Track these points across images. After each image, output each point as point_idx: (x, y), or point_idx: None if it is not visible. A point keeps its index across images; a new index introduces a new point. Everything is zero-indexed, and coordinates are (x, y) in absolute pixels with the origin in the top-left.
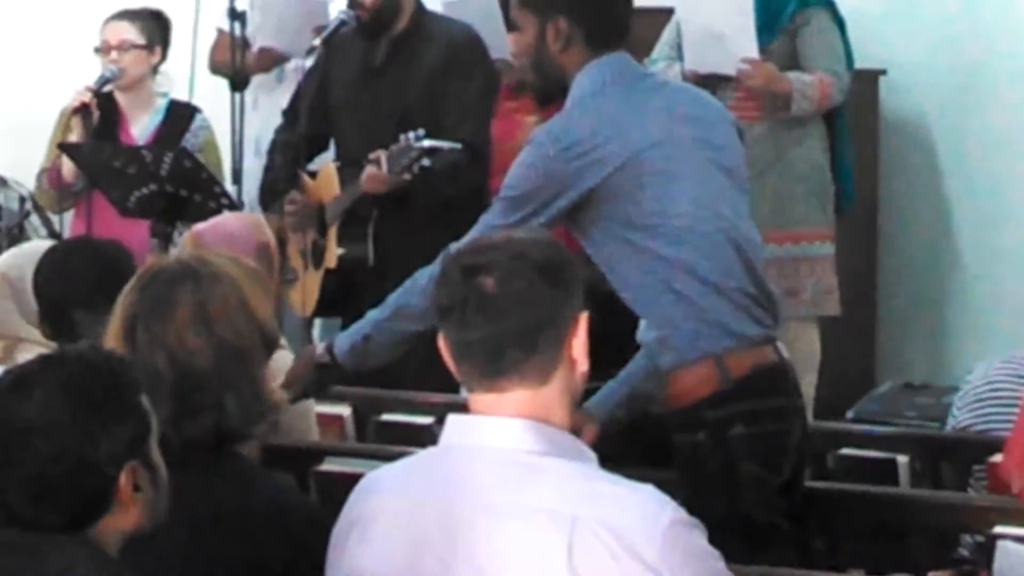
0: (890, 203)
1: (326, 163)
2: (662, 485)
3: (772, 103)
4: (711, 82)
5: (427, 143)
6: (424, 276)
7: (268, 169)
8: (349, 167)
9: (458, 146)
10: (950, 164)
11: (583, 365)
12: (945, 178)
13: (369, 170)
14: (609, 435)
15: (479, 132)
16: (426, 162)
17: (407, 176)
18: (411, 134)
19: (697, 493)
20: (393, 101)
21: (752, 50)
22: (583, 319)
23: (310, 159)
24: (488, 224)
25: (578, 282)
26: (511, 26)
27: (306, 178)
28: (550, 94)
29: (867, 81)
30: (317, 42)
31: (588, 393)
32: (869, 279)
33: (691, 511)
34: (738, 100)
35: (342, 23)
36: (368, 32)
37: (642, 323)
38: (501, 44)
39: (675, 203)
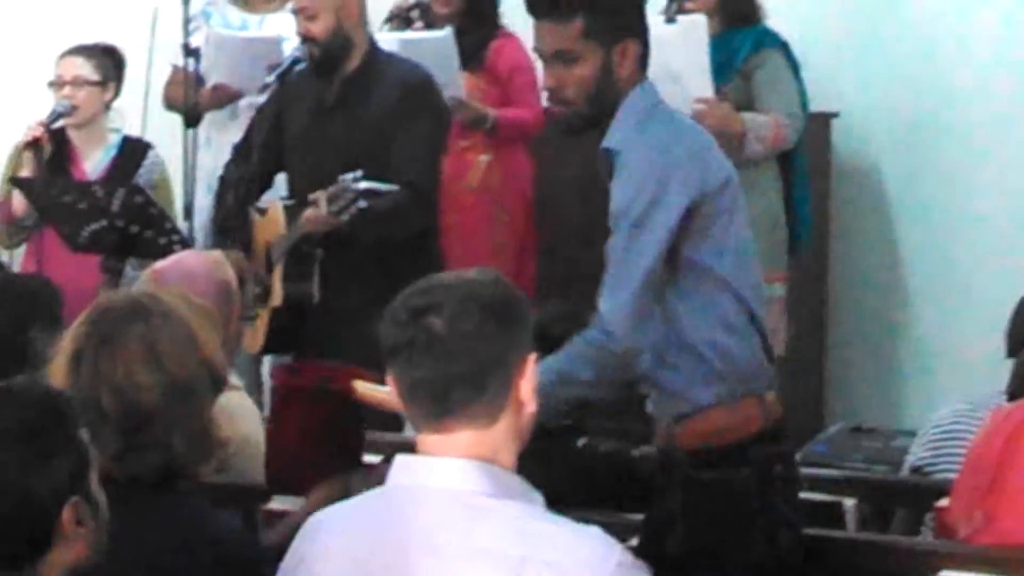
0: (841, 245)
1: (273, 201)
2: (608, 527)
3: (727, 144)
4: None
5: (363, 185)
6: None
7: (219, 205)
8: (298, 206)
9: (395, 188)
10: (901, 207)
11: (531, 406)
12: (896, 221)
13: (308, 211)
14: (556, 478)
15: (426, 173)
16: (363, 204)
17: (345, 217)
18: (349, 175)
19: (721, 530)
20: (344, 141)
21: (707, 89)
22: (531, 360)
23: (259, 196)
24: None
25: (527, 323)
26: (566, 59)
27: (256, 215)
28: (598, 122)
29: (819, 124)
30: (271, 79)
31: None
32: (818, 321)
33: (695, 548)
34: None
35: (296, 60)
36: (320, 69)
37: (650, 352)
38: (455, 82)
39: (731, 237)
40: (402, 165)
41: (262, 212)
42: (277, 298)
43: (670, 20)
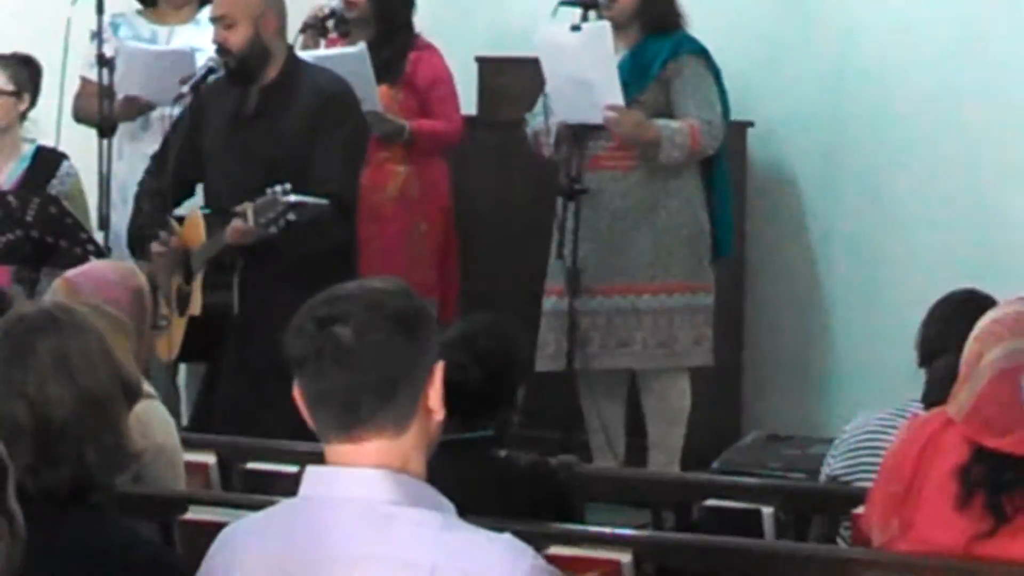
0: (757, 254)
1: (193, 210)
2: (524, 536)
3: (643, 152)
4: (582, 131)
5: (293, 198)
6: None
7: (136, 215)
8: (217, 215)
9: (324, 202)
10: (817, 215)
11: (439, 414)
12: (812, 229)
13: (235, 223)
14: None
15: (347, 185)
16: (292, 216)
17: (273, 229)
18: (278, 188)
19: None
20: (262, 150)
21: (617, 97)
22: (439, 369)
23: (177, 205)
24: None
25: (433, 332)
26: None
27: (175, 224)
28: None
29: (735, 133)
30: (185, 90)
31: (451, 443)
32: (735, 329)
33: None
34: (610, 150)
35: (210, 71)
36: (237, 79)
37: None
38: (371, 96)
39: None
40: (322, 176)
41: (180, 221)
42: (196, 307)
43: (575, 28)
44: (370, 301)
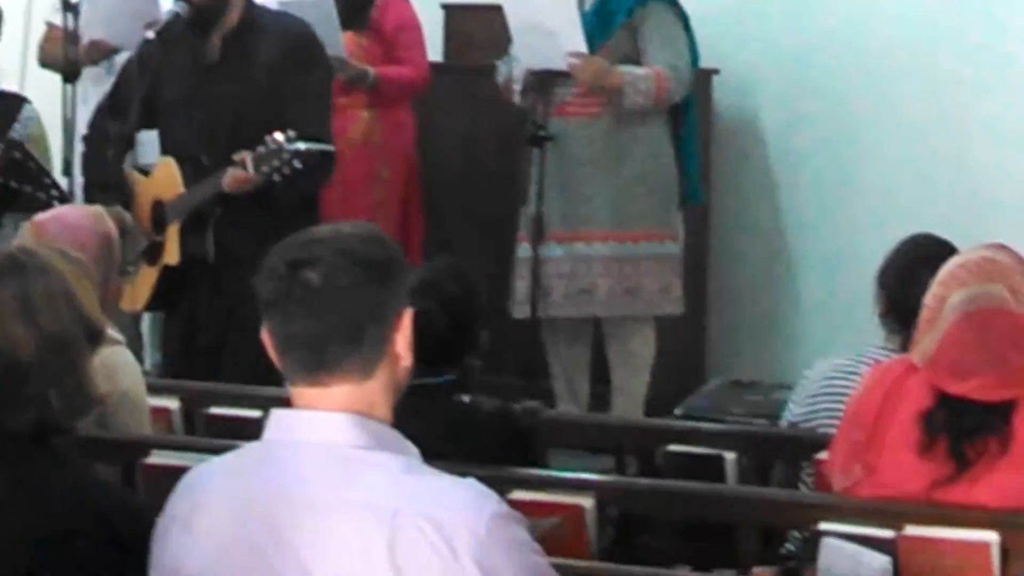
0: (722, 201)
1: (164, 160)
2: (488, 481)
3: (609, 98)
4: (548, 78)
5: (302, 145)
6: None
7: (94, 161)
8: (185, 164)
9: (330, 147)
10: (782, 163)
11: (406, 360)
12: (778, 177)
13: (235, 172)
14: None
15: (324, 127)
16: (297, 164)
17: (277, 177)
18: (280, 136)
19: None
20: (229, 98)
21: (580, 44)
22: (407, 315)
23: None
24: None
25: (403, 278)
26: None
27: (136, 174)
28: None
29: (700, 80)
30: (150, 35)
31: (415, 388)
32: (700, 276)
33: None
34: (577, 96)
35: (176, 15)
36: (198, 27)
37: None
38: (335, 43)
39: None
40: (300, 122)
41: (143, 171)
42: (173, 256)
43: None
44: (340, 245)
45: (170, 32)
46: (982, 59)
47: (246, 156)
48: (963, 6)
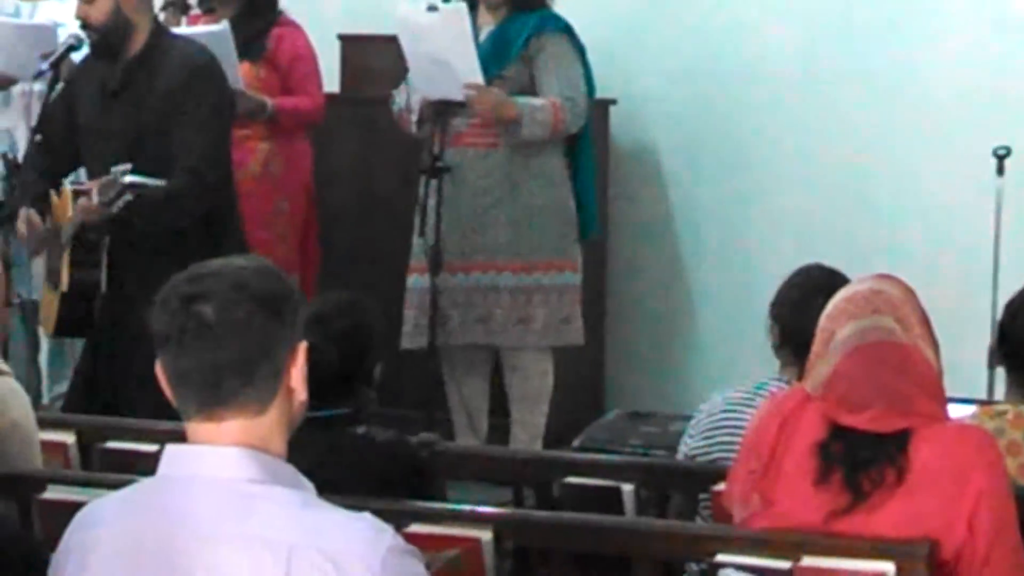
0: (619, 232)
1: (65, 186)
2: (383, 514)
3: (505, 129)
4: (445, 109)
5: (128, 179)
6: None
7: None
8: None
9: (160, 183)
10: (680, 193)
11: (301, 395)
12: (674, 207)
13: (81, 201)
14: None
15: (208, 156)
16: (129, 197)
17: (114, 209)
18: (119, 168)
19: None
20: (127, 126)
21: (476, 75)
22: (302, 349)
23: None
24: None
25: (296, 312)
26: None
27: (54, 198)
28: None
29: (597, 111)
30: (45, 66)
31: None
32: (598, 308)
33: None
34: (473, 127)
35: (70, 47)
36: (101, 54)
37: None
38: (233, 75)
39: None
40: (182, 151)
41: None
42: (65, 283)
43: (432, 8)
44: (234, 280)
45: (81, 61)
46: (884, 92)
47: (93, 186)
48: (866, 41)
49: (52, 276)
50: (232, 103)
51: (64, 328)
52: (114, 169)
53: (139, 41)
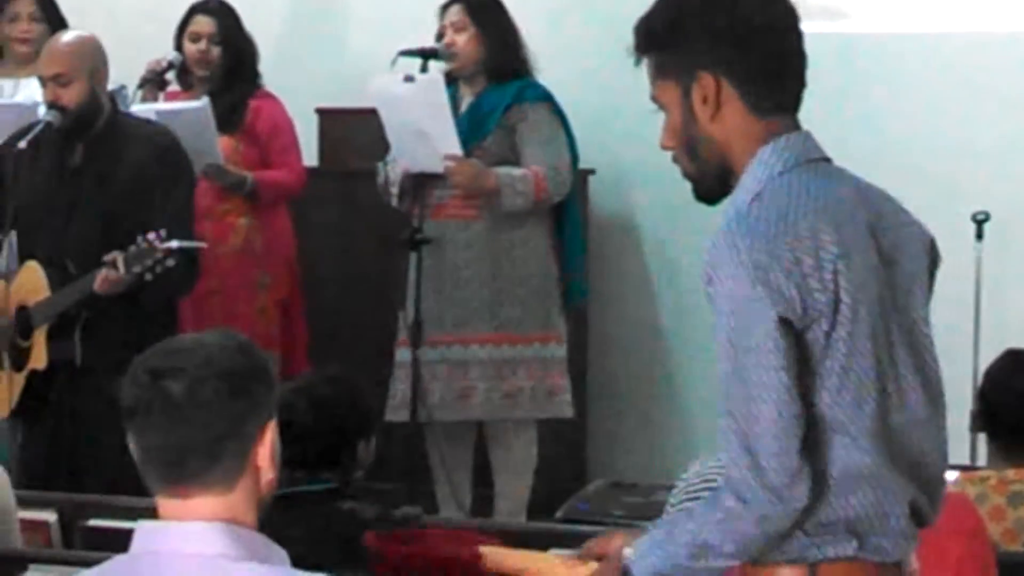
0: (599, 301)
1: (28, 264)
2: None
3: (486, 200)
4: (425, 180)
5: (174, 243)
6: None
7: None
8: (48, 268)
9: (203, 244)
10: (659, 262)
11: (269, 474)
12: (654, 275)
13: (107, 272)
14: (307, 536)
15: (191, 235)
16: (171, 262)
17: (148, 277)
18: (152, 235)
19: None
20: (96, 202)
21: (454, 146)
22: (271, 428)
23: None
24: None
25: (268, 390)
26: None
27: (14, 279)
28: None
29: (577, 180)
30: (23, 145)
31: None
32: (579, 377)
33: None
34: (454, 198)
35: (47, 124)
36: (72, 136)
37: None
38: (213, 151)
39: None
40: (170, 230)
41: (4, 277)
42: (40, 360)
43: (408, 79)
44: (204, 356)
45: (41, 139)
46: (860, 158)
47: (117, 256)
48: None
49: (12, 359)
50: (195, 181)
51: (28, 408)
52: (143, 237)
53: (100, 120)
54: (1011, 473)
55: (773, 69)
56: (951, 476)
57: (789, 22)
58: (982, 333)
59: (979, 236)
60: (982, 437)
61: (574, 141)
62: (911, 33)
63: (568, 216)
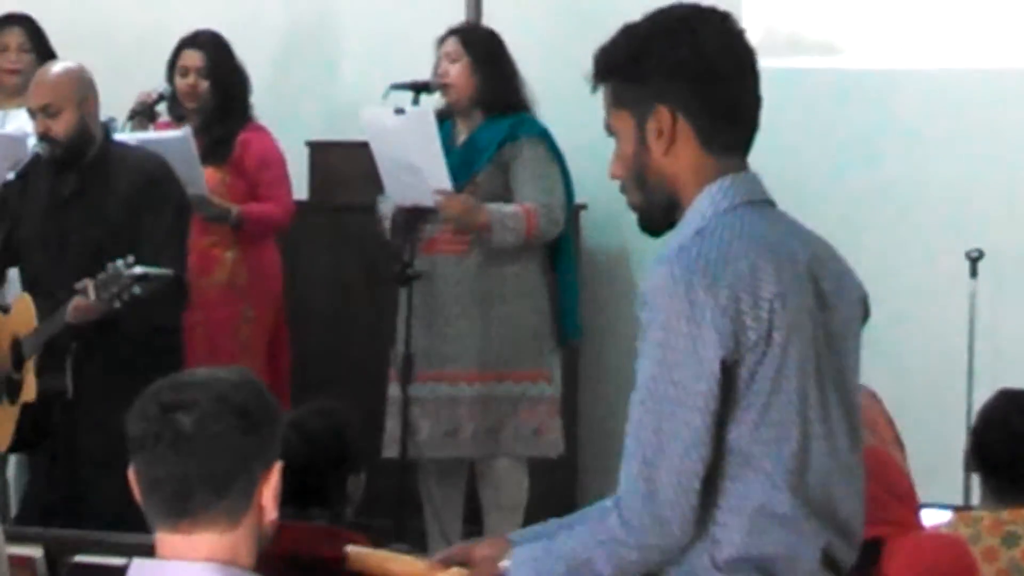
0: (591, 338)
1: (21, 296)
2: None
3: (477, 236)
4: (417, 215)
5: (139, 270)
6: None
7: None
8: (43, 299)
9: (169, 272)
10: None
11: (272, 514)
12: None
13: (76, 300)
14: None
15: (178, 261)
16: (137, 289)
17: (116, 304)
18: (119, 261)
19: None
20: (86, 230)
21: (444, 181)
22: (277, 468)
23: None
24: None
25: (276, 429)
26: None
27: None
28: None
29: (570, 215)
30: (12, 176)
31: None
32: (570, 415)
33: None
34: (446, 232)
35: (37, 156)
36: (63, 166)
37: None
38: (196, 180)
39: None
40: (153, 256)
41: (4, 309)
42: (30, 393)
43: (399, 111)
44: (216, 391)
45: (31, 170)
46: (855, 196)
47: (87, 283)
48: (837, 147)
49: (8, 392)
50: (190, 207)
51: (23, 441)
52: (112, 264)
53: (92, 149)
54: (1005, 514)
55: (729, 108)
56: (945, 516)
57: (748, 62)
58: (976, 371)
59: (973, 274)
60: (976, 476)
61: (569, 179)
62: (907, 69)
63: (563, 254)
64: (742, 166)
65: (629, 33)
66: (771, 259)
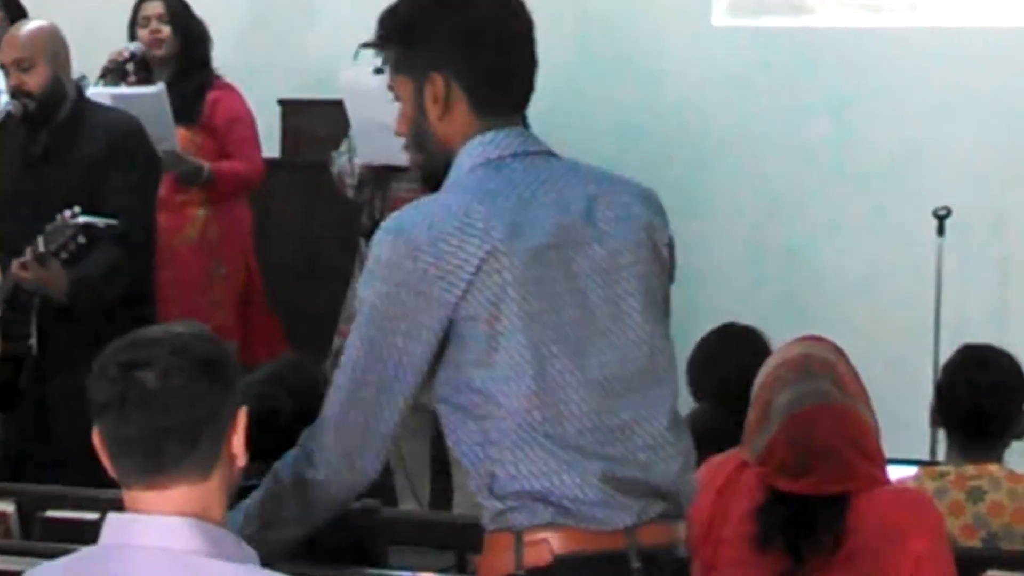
0: None
1: None
2: None
3: None
4: (385, 173)
5: (82, 219)
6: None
7: None
8: (13, 258)
9: (114, 221)
10: None
11: (241, 460)
12: None
13: (27, 253)
14: None
15: (139, 224)
16: (82, 239)
17: (64, 255)
18: (67, 212)
19: None
20: (55, 190)
21: None
22: (242, 414)
23: None
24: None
25: (237, 377)
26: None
27: None
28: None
29: None
30: None
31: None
32: None
33: None
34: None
35: (8, 115)
36: (36, 122)
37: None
38: (169, 137)
39: None
40: (115, 213)
41: None
42: None
43: (378, 71)
44: (175, 345)
45: (2, 129)
46: (824, 158)
47: (38, 238)
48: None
49: None
50: (158, 166)
51: None
52: (60, 215)
53: (65, 109)
54: (970, 468)
55: (501, 75)
56: (911, 472)
57: (521, 29)
58: (943, 328)
59: (940, 232)
60: (942, 432)
61: None
62: (874, 28)
63: None
64: (513, 123)
65: (406, 1)
66: (513, 206)
